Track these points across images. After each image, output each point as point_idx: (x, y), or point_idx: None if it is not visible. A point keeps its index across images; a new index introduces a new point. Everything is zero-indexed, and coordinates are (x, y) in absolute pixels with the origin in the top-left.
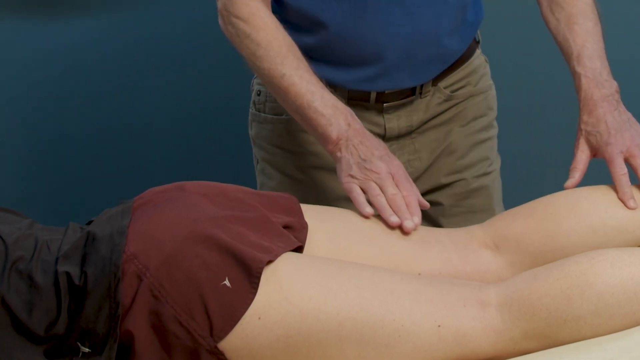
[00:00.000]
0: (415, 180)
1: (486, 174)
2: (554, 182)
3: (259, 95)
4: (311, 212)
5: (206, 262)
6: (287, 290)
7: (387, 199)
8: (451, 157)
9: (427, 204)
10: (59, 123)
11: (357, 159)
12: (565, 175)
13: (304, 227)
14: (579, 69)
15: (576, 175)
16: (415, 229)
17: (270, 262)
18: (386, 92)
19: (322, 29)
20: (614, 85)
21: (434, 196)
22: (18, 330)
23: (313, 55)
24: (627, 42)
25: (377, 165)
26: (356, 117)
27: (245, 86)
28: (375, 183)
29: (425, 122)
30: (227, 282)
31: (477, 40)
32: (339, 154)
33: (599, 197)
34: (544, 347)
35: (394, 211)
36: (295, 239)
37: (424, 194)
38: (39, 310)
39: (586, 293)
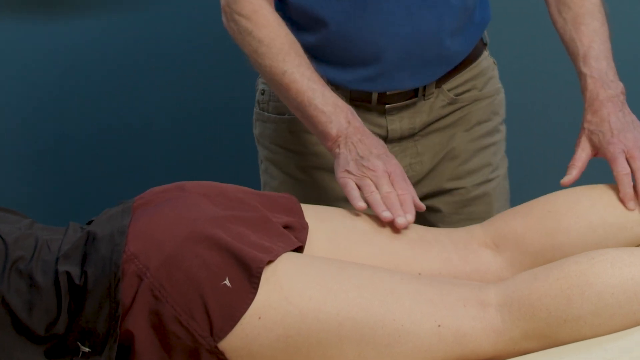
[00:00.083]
0: (416, 184)
1: (488, 180)
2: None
3: (262, 94)
4: (311, 212)
5: (206, 262)
6: (287, 290)
7: (381, 197)
8: (453, 162)
9: (423, 206)
10: (59, 123)
11: (355, 156)
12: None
13: (304, 227)
14: (585, 69)
15: (573, 172)
16: (407, 226)
17: (270, 262)
18: (388, 93)
19: (322, 27)
20: (619, 86)
21: (434, 202)
22: (18, 330)
23: (314, 54)
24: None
25: (374, 163)
26: (357, 116)
27: (245, 86)
28: (371, 180)
29: (429, 125)
30: (227, 282)
31: (485, 42)
32: (337, 150)
33: (598, 195)
34: (544, 347)
35: (387, 208)
36: (295, 239)
37: (423, 199)
38: (39, 310)
39: (586, 293)
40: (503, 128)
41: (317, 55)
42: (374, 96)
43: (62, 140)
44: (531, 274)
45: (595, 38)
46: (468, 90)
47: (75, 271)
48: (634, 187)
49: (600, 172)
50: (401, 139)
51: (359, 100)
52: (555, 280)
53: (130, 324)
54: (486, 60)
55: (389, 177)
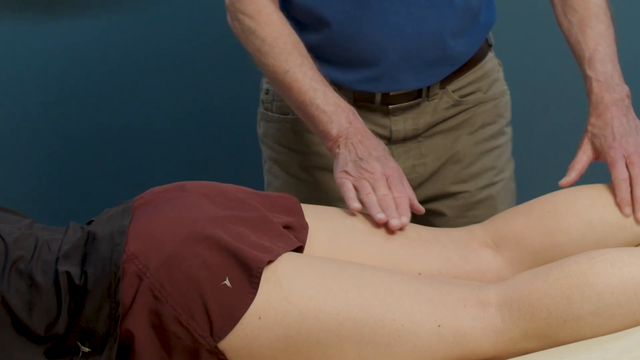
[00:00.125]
0: (419, 186)
1: (492, 184)
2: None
3: (267, 94)
4: (311, 212)
5: (206, 262)
6: (287, 290)
7: (377, 199)
8: (457, 166)
9: (422, 209)
10: (60, 123)
11: (354, 157)
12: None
13: (304, 227)
14: (590, 72)
15: (572, 174)
16: (400, 228)
17: (270, 262)
18: (391, 93)
19: (325, 27)
20: (625, 89)
21: (438, 206)
22: (18, 330)
23: (318, 55)
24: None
25: (372, 165)
26: (358, 116)
27: (245, 86)
28: (368, 182)
29: (433, 126)
30: (227, 282)
31: (490, 43)
32: (337, 150)
33: (597, 194)
34: (544, 347)
35: (382, 210)
36: (295, 239)
37: (427, 201)
38: (39, 310)
39: (586, 293)
40: (509, 130)
41: (321, 55)
42: (378, 97)
43: (62, 140)
44: (531, 274)
45: (600, 41)
46: (473, 93)
47: (75, 271)
48: (632, 192)
49: (601, 173)
50: (405, 139)
51: (362, 100)
52: (555, 280)
53: (130, 324)
54: (491, 61)
55: (387, 180)
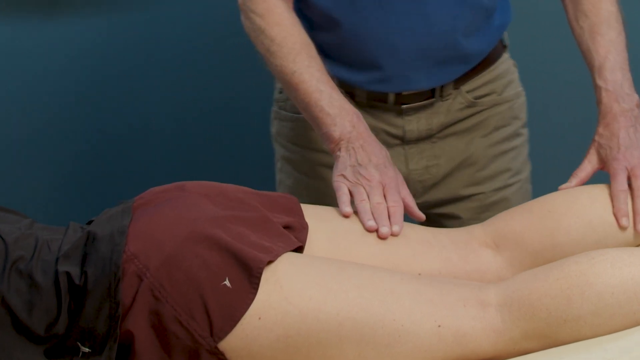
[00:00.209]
0: (432, 187)
1: (507, 186)
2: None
3: (280, 93)
4: (311, 212)
5: (206, 262)
6: (287, 290)
7: (371, 206)
8: (471, 169)
9: (422, 216)
10: (60, 123)
11: (354, 162)
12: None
13: (304, 227)
14: (600, 81)
15: (573, 181)
16: (388, 236)
17: (270, 262)
18: (404, 93)
19: (336, 27)
20: (634, 99)
21: (452, 209)
22: (18, 330)
23: (331, 55)
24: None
25: (370, 172)
26: (363, 120)
27: (245, 86)
28: (364, 189)
29: (446, 127)
30: (227, 282)
31: (505, 44)
32: (338, 153)
33: (597, 194)
34: (544, 347)
35: (374, 217)
36: (295, 239)
37: (440, 205)
38: (39, 310)
39: (586, 293)
40: (525, 132)
41: (333, 55)
42: (391, 96)
43: (62, 140)
44: (531, 274)
45: (611, 49)
46: (487, 94)
47: (75, 271)
48: (633, 204)
49: (601, 173)
50: (418, 140)
51: (376, 100)
52: (555, 280)
53: (130, 324)
54: (506, 62)
55: (383, 188)
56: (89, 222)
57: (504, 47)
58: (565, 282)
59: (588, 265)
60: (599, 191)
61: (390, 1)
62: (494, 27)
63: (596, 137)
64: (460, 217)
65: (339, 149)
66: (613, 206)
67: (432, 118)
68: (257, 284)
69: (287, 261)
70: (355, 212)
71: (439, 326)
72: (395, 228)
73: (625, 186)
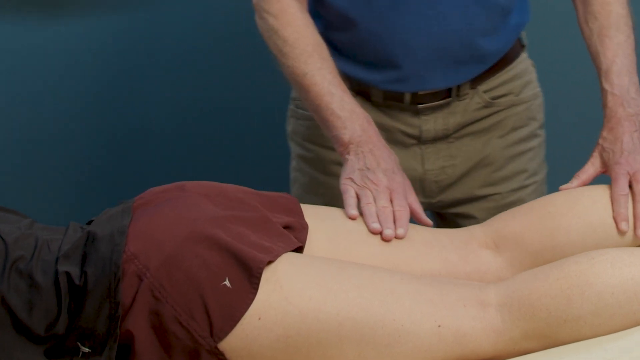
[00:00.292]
0: (448, 188)
1: (523, 187)
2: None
3: None
4: (311, 212)
5: (206, 262)
6: (287, 290)
7: (377, 210)
8: (487, 170)
9: (429, 222)
10: (60, 123)
11: (362, 166)
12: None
13: (304, 227)
14: (606, 85)
15: (574, 182)
16: (392, 239)
17: (270, 262)
18: (420, 93)
19: (352, 26)
20: None
21: (468, 209)
22: (18, 330)
23: (346, 54)
24: None
25: (378, 177)
26: (373, 124)
27: (245, 86)
28: (371, 193)
29: (463, 127)
30: (227, 282)
31: (523, 43)
32: (347, 157)
33: (598, 195)
34: (544, 347)
35: (379, 220)
36: (295, 239)
37: (456, 204)
38: (39, 310)
39: (586, 293)
40: (542, 133)
41: (350, 55)
42: (407, 96)
43: (62, 140)
44: (531, 274)
45: (619, 52)
46: (505, 95)
47: (75, 271)
48: (634, 209)
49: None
50: (435, 140)
51: (392, 100)
52: (555, 280)
53: (130, 324)
54: (524, 62)
55: (390, 193)
56: (89, 222)
57: (522, 46)
58: (565, 282)
59: (588, 265)
60: (600, 192)
61: (405, 1)
62: (511, 26)
63: (600, 141)
64: (476, 217)
65: (348, 153)
66: (613, 210)
67: (448, 118)
68: (257, 284)
69: (287, 261)
70: (361, 215)
71: (439, 326)
72: (400, 231)
73: (626, 190)
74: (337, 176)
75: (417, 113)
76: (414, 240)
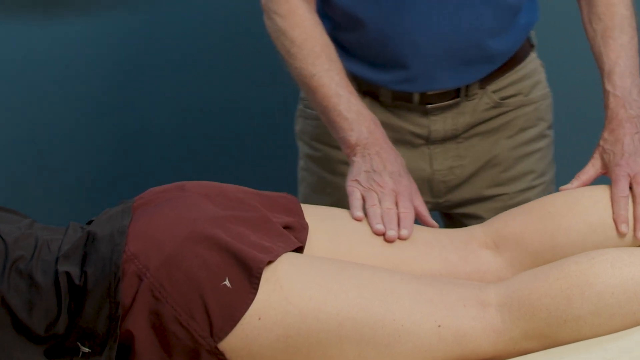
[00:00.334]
0: (456, 188)
1: (531, 187)
2: None
3: None
4: (311, 212)
5: (206, 262)
6: (287, 290)
7: (381, 211)
8: (495, 170)
9: (435, 224)
10: (60, 123)
11: (368, 168)
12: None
13: (304, 227)
14: (608, 86)
15: (575, 183)
16: (395, 240)
17: (270, 262)
18: (429, 93)
19: (360, 27)
20: None
21: (475, 209)
22: (18, 330)
23: (355, 54)
24: None
25: (384, 179)
26: (380, 127)
27: (245, 86)
28: (377, 195)
29: (472, 127)
30: (227, 282)
31: (532, 43)
32: (353, 158)
33: (598, 195)
34: (544, 347)
35: (383, 221)
36: (295, 239)
37: (463, 204)
38: (39, 310)
39: (586, 293)
40: (550, 133)
41: (358, 55)
42: (416, 96)
43: (62, 140)
44: (531, 274)
45: (622, 53)
46: (514, 95)
47: (75, 271)
48: (634, 211)
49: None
50: (444, 140)
51: (400, 100)
52: (555, 280)
53: (130, 324)
54: (533, 62)
55: (396, 196)
56: (89, 222)
57: (532, 46)
58: (565, 282)
59: (588, 265)
60: (601, 193)
61: (414, 1)
62: (520, 26)
63: (601, 142)
64: (483, 217)
65: (355, 154)
66: (613, 212)
67: (457, 118)
68: (257, 284)
69: (287, 261)
70: (366, 216)
71: (439, 326)
72: (404, 232)
73: (626, 192)
74: (345, 176)
75: (426, 113)
76: (414, 240)
